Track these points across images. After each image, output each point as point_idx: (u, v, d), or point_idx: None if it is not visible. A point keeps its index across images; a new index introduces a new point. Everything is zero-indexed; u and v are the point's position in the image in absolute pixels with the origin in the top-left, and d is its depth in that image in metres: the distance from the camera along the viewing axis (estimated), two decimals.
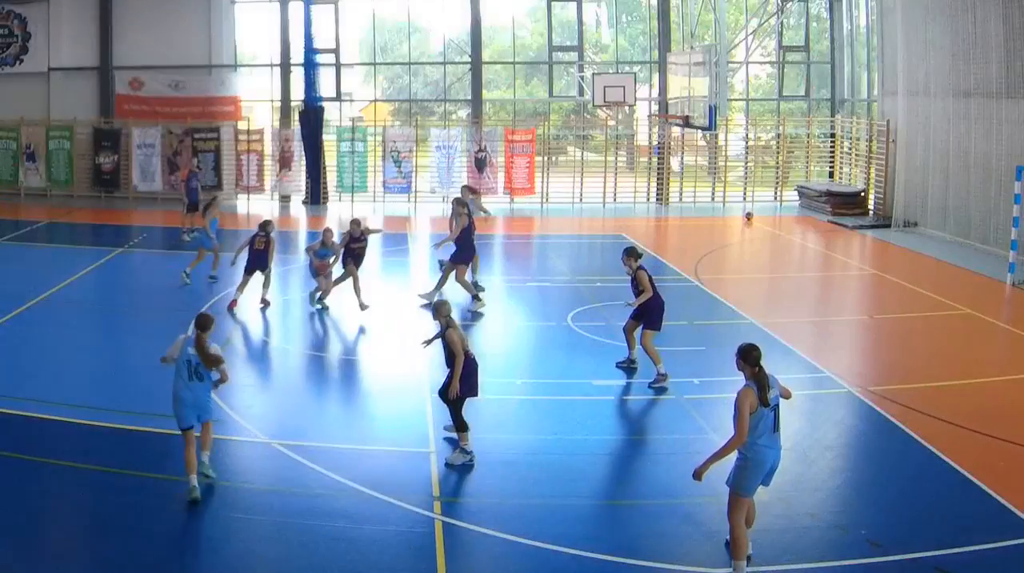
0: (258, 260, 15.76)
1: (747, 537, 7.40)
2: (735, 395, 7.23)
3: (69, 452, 9.67)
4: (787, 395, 7.65)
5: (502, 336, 14.81)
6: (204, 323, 8.90)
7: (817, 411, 11.17)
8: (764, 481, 7.37)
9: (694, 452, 9.63)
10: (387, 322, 15.46)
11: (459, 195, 17.93)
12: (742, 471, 7.24)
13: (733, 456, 7.30)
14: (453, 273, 15.94)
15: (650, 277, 12.11)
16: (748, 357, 7.29)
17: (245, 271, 15.83)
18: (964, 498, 8.79)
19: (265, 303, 15.86)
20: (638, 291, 12.03)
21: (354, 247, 15.60)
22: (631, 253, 12.21)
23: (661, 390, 11.68)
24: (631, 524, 8.42)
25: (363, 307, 15.40)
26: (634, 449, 10.09)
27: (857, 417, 11.02)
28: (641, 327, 12.00)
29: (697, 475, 7.34)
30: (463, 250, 15.94)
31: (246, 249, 15.86)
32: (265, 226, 15.97)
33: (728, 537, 7.51)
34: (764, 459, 7.22)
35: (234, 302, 15.66)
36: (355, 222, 15.96)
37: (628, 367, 12.48)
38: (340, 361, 13.45)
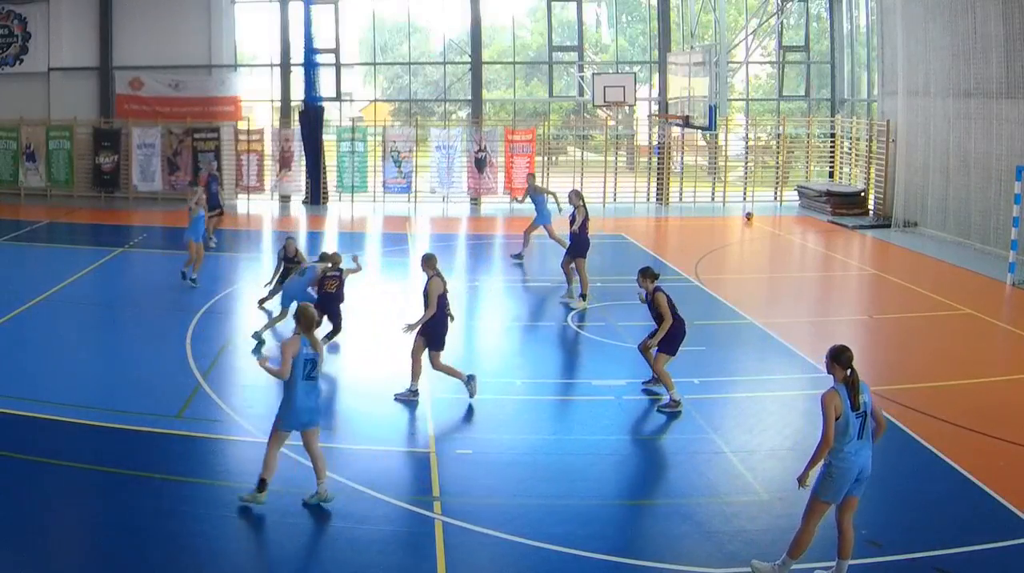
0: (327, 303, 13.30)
1: (810, 542, 7.17)
2: (820, 397, 7.06)
3: (69, 452, 9.67)
4: (880, 422, 7.24)
5: (502, 336, 14.81)
6: (311, 318, 8.43)
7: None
8: (854, 490, 7.10)
9: (694, 452, 9.65)
10: (387, 322, 15.46)
11: (575, 189, 18.13)
12: (826, 478, 7.06)
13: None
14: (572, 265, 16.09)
15: (670, 300, 11.12)
16: (840, 358, 7.04)
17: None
18: (964, 498, 8.79)
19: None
20: (656, 315, 11.13)
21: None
22: (647, 273, 11.25)
23: (674, 415, 10.95)
24: (631, 524, 8.42)
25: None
26: (634, 449, 10.09)
27: None
28: (656, 350, 11.19)
29: (800, 481, 7.14)
30: (580, 244, 16.06)
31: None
32: (334, 259, 13.53)
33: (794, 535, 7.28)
34: (850, 467, 6.98)
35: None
36: (291, 242, 14.71)
37: (652, 387, 11.69)
38: (340, 361, 13.43)
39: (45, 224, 24.28)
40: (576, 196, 16.40)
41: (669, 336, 11.06)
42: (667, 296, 11.10)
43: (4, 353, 12.87)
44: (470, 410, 11.30)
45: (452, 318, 11.48)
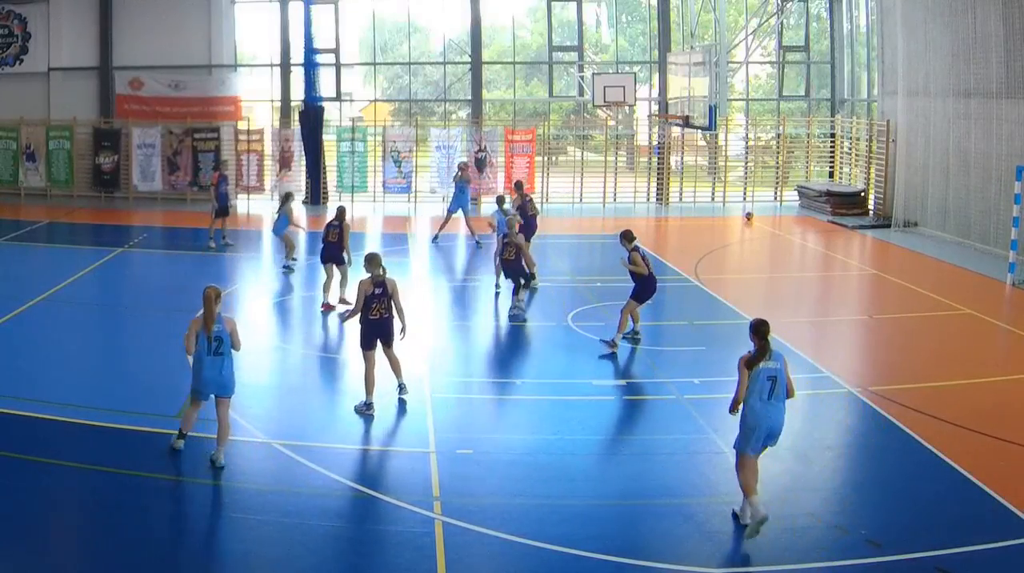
0: (329, 252, 15.51)
1: (755, 481, 8.05)
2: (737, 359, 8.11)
3: (70, 452, 9.67)
4: (791, 390, 8.24)
5: (502, 336, 14.81)
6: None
7: (817, 411, 11.18)
8: (768, 442, 8.11)
9: (694, 452, 9.65)
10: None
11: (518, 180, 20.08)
12: (743, 431, 8.13)
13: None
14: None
15: (644, 258, 13.02)
16: (758, 330, 8.13)
17: (322, 263, 15.77)
18: (964, 498, 8.79)
19: (341, 303, 15.22)
20: (632, 273, 13.13)
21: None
22: (626, 235, 13.26)
23: (610, 356, 12.77)
24: (631, 524, 8.41)
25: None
26: (634, 449, 10.09)
27: (857, 417, 11.02)
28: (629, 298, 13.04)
29: (731, 411, 8.26)
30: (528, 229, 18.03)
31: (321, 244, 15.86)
32: (340, 214, 15.68)
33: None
34: (760, 423, 7.99)
35: (325, 305, 15.37)
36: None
37: (632, 338, 13.36)
38: (340, 361, 13.44)
39: (45, 224, 24.29)
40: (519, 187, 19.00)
41: (641, 287, 12.98)
42: (642, 255, 13.00)
43: (4, 353, 12.87)
44: (470, 410, 11.30)
45: (379, 317, 10.91)
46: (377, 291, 10.77)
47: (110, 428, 10.27)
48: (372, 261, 10.93)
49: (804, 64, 30.85)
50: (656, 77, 29.67)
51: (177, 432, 9.65)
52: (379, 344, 10.95)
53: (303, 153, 27.09)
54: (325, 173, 28.23)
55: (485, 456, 9.70)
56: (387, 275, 10.93)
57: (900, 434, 10.33)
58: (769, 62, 32.09)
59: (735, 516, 8.28)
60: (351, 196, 28.31)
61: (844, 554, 7.73)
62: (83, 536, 8.16)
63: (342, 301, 15.31)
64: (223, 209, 21.15)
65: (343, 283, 15.58)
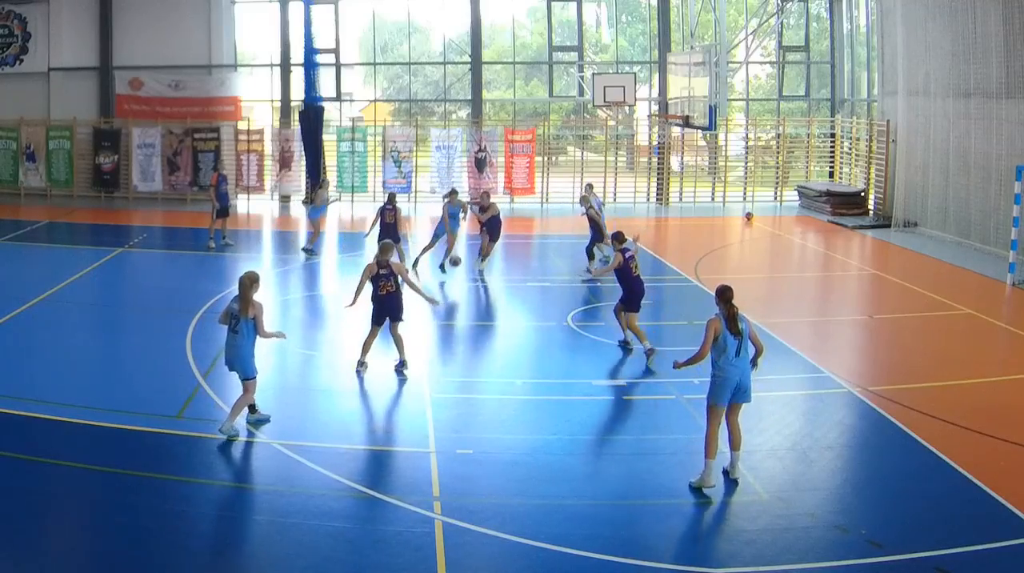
0: (387, 233, 17.03)
1: (718, 442, 8.92)
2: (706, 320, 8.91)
3: (69, 452, 9.67)
4: (759, 346, 9.12)
5: (502, 336, 14.81)
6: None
7: (817, 411, 11.17)
8: (737, 397, 8.90)
9: (694, 452, 9.63)
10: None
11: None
12: (712, 386, 8.93)
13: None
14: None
15: (626, 260, 12.95)
16: (723, 296, 9.00)
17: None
18: (964, 498, 8.79)
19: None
20: (618, 276, 13.24)
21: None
22: (617, 237, 13.43)
23: (649, 358, 12.62)
24: (631, 524, 8.41)
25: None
26: (634, 449, 10.08)
27: (857, 417, 11.02)
28: (625, 313, 13.14)
29: (675, 366, 9.24)
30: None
31: (377, 223, 17.66)
32: (392, 198, 17.83)
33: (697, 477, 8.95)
34: (728, 377, 8.81)
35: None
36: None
37: (623, 347, 13.39)
38: (340, 361, 13.44)
39: (45, 224, 24.29)
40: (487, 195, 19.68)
41: (629, 297, 13.05)
42: (627, 257, 13.01)
43: (4, 353, 12.87)
44: (470, 410, 11.31)
45: (387, 293, 12.20)
46: (383, 271, 12.10)
47: (110, 428, 10.27)
48: (384, 249, 12.26)
49: (804, 64, 30.85)
50: (656, 77, 29.67)
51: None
52: (387, 321, 12.19)
53: (303, 153, 27.10)
54: (325, 173, 28.23)
55: (485, 456, 9.69)
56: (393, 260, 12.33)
57: (900, 434, 10.33)
58: (769, 62, 32.10)
59: (725, 473, 9.12)
60: (351, 196, 28.32)
61: (844, 554, 7.73)
62: (83, 536, 8.16)
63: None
64: (224, 209, 21.11)
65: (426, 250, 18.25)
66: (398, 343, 12.30)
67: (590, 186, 20.78)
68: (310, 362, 13.40)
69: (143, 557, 7.65)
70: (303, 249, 20.16)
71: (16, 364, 12.38)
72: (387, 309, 12.18)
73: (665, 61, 28.53)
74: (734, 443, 9.13)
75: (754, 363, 9.06)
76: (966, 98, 21.63)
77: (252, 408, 10.40)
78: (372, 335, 12.32)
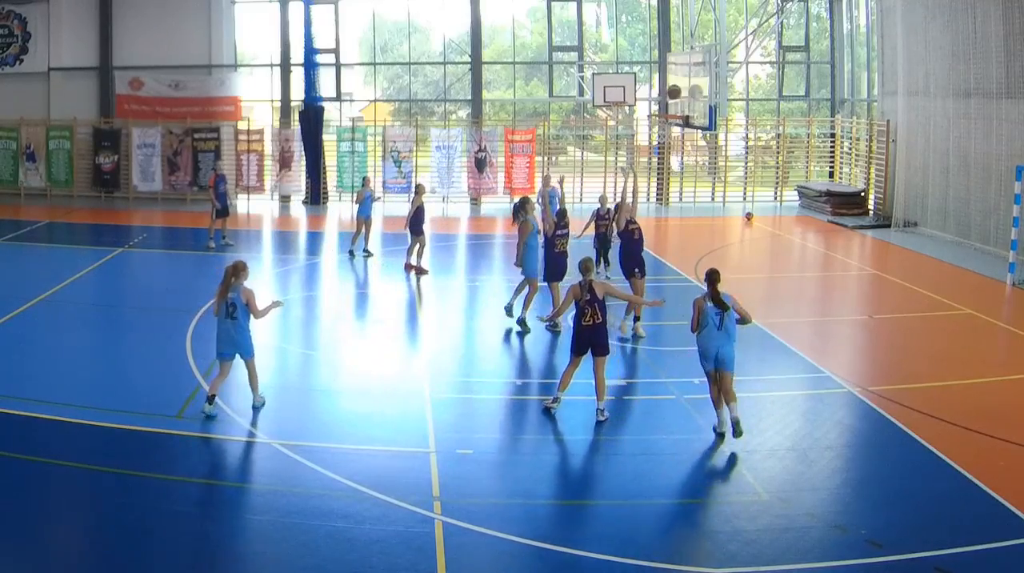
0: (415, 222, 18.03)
1: (719, 398, 10.17)
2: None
3: (69, 452, 9.67)
4: (746, 317, 10.21)
5: (503, 336, 14.80)
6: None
7: (817, 411, 11.17)
8: (720, 365, 9.99)
9: (694, 452, 9.65)
10: (387, 322, 15.49)
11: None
12: (700, 355, 10.22)
13: None
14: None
15: (532, 224, 14.26)
16: (709, 278, 10.15)
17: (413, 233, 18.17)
18: (964, 498, 8.79)
19: (414, 269, 18.13)
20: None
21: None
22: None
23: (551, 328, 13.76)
24: (631, 524, 8.41)
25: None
26: (634, 449, 10.08)
27: (857, 417, 11.02)
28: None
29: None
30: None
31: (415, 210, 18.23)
32: (419, 190, 18.76)
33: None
34: (709, 346, 10.04)
35: (408, 265, 18.20)
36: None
37: (522, 325, 14.33)
38: (340, 361, 13.44)
39: (45, 224, 24.29)
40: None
41: (547, 262, 14.33)
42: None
43: (4, 353, 12.87)
44: (470, 410, 11.31)
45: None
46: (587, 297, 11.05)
47: (110, 428, 10.27)
48: (584, 267, 10.93)
49: (804, 64, 30.84)
50: (656, 77, 29.67)
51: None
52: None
53: (303, 153, 27.11)
54: (325, 173, 28.25)
55: (485, 456, 9.69)
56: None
57: (900, 434, 10.33)
58: (769, 62, 32.09)
59: (714, 429, 10.23)
60: (351, 196, 28.31)
61: (844, 554, 7.73)
62: (83, 536, 8.16)
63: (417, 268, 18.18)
64: (224, 209, 21.09)
65: (420, 252, 18.36)
66: (599, 384, 10.73)
67: (547, 179, 20.85)
68: (310, 362, 13.41)
69: (142, 557, 7.65)
70: (364, 252, 20.11)
71: (16, 364, 12.38)
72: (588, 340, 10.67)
73: (665, 61, 28.52)
74: (727, 399, 10.08)
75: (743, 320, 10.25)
76: (966, 98, 21.63)
77: (212, 399, 10.59)
78: (573, 366, 10.88)
